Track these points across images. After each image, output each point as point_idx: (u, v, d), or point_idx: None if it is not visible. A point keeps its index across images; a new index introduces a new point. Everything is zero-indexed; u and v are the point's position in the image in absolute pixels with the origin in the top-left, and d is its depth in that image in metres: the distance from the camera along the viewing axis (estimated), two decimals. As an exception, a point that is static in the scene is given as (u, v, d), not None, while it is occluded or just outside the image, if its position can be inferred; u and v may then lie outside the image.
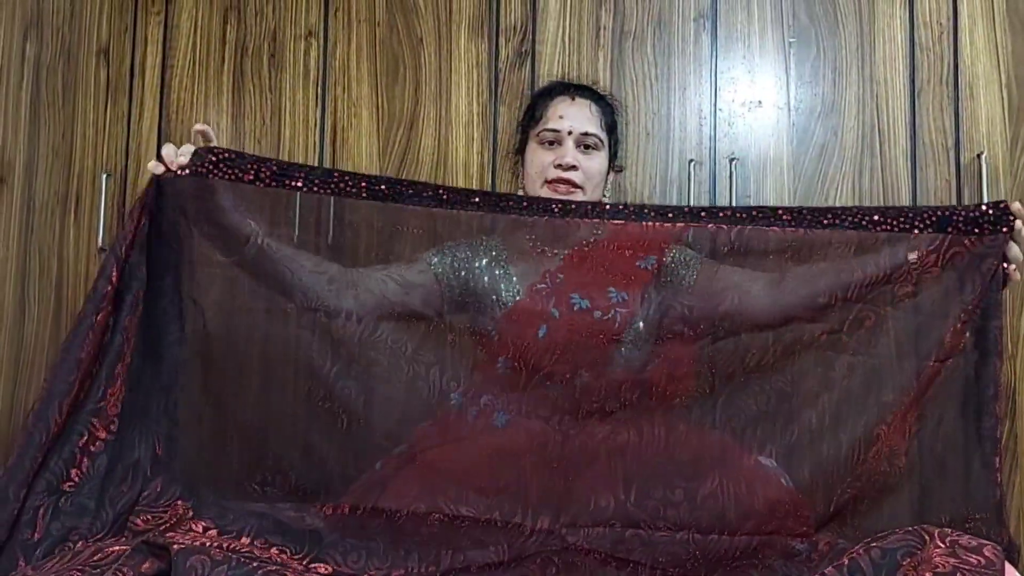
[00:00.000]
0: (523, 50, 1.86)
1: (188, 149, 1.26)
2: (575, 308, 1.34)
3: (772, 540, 1.19)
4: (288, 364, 1.31)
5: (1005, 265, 1.21)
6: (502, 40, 1.87)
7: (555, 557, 1.20)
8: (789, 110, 1.80)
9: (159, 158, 1.25)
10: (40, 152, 1.98)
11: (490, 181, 1.85)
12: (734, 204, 1.75)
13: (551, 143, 1.50)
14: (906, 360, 1.23)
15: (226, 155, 1.25)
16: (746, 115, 1.81)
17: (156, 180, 1.24)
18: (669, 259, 1.40)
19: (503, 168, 1.84)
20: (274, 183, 1.25)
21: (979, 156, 1.71)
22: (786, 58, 1.81)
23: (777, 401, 1.30)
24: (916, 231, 1.21)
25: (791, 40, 1.81)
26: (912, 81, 1.77)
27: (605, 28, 1.84)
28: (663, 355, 1.37)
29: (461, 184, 1.85)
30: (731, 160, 1.78)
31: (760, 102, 1.81)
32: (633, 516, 1.22)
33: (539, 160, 1.50)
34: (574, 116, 1.51)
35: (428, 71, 1.89)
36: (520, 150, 1.60)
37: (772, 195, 1.77)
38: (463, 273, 1.43)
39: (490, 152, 1.86)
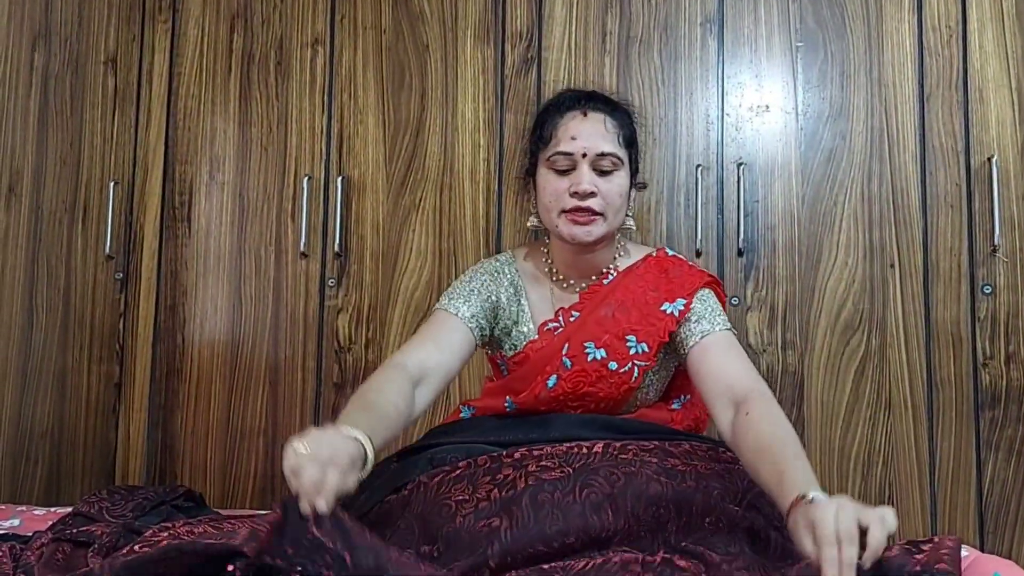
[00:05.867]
0: (529, 56, 1.86)
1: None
2: (589, 359, 1.29)
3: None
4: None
5: None
6: (508, 46, 1.87)
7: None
8: (797, 114, 1.79)
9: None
10: (48, 161, 1.99)
11: (496, 187, 1.84)
12: (742, 209, 1.74)
13: (564, 169, 1.32)
14: None
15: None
16: (753, 120, 1.80)
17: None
18: (696, 306, 1.31)
19: (509, 174, 1.83)
20: None
21: (990, 159, 1.70)
22: (793, 62, 1.80)
23: None
24: None
25: (798, 44, 1.80)
26: (921, 85, 1.76)
27: (611, 34, 1.84)
28: (678, 394, 1.37)
29: (467, 189, 1.85)
30: (739, 165, 1.77)
31: (767, 107, 1.80)
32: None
33: (552, 188, 1.32)
34: (588, 135, 1.31)
35: (434, 78, 1.89)
36: (530, 172, 1.40)
37: (780, 199, 1.76)
38: (492, 309, 1.38)
39: (496, 158, 1.85)
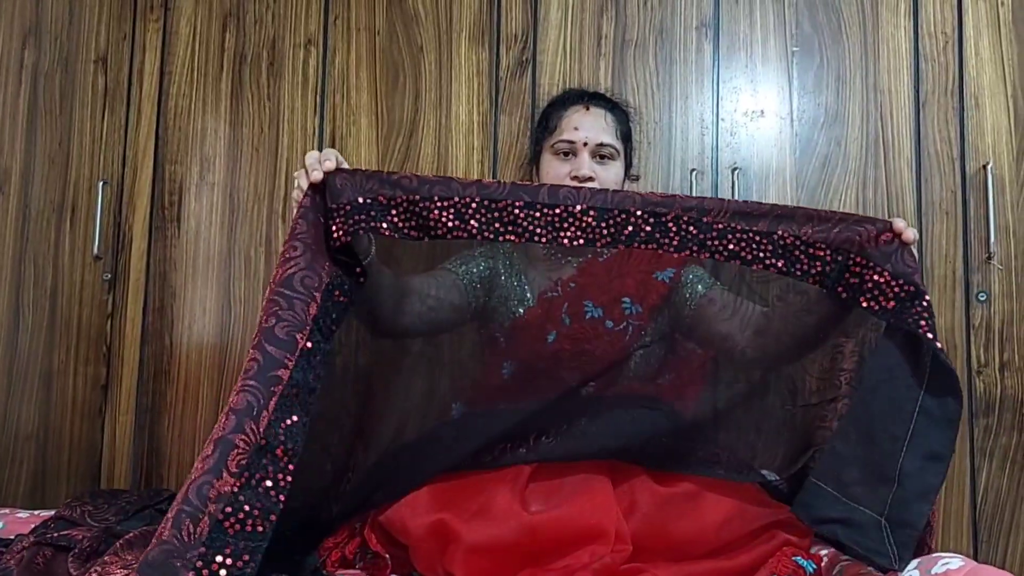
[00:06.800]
0: (524, 59, 1.85)
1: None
2: (587, 316, 1.33)
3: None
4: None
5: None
6: (503, 49, 1.86)
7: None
8: (792, 120, 1.78)
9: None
10: (37, 160, 1.97)
11: (490, 190, 1.83)
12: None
13: (566, 154, 1.48)
14: None
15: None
16: (748, 125, 1.79)
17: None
18: (685, 275, 1.39)
19: (503, 176, 1.82)
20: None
21: (985, 167, 1.69)
22: (789, 67, 1.79)
23: (776, 422, 1.30)
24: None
25: (794, 49, 1.79)
26: (917, 91, 1.75)
27: (606, 37, 1.83)
28: (672, 370, 1.36)
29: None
30: (733, 170, 1.76)
31: (762, 112, 1.79)
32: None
33: (554, 171, 1.48)
34: (589, 126, 1.49)
35: (428, 79, 1.87)
36: (534, 160, 1.58)
37: (775, 205, 1.75)
38: (487, 279, 1.43)
39: (490, 161, 1.84)
